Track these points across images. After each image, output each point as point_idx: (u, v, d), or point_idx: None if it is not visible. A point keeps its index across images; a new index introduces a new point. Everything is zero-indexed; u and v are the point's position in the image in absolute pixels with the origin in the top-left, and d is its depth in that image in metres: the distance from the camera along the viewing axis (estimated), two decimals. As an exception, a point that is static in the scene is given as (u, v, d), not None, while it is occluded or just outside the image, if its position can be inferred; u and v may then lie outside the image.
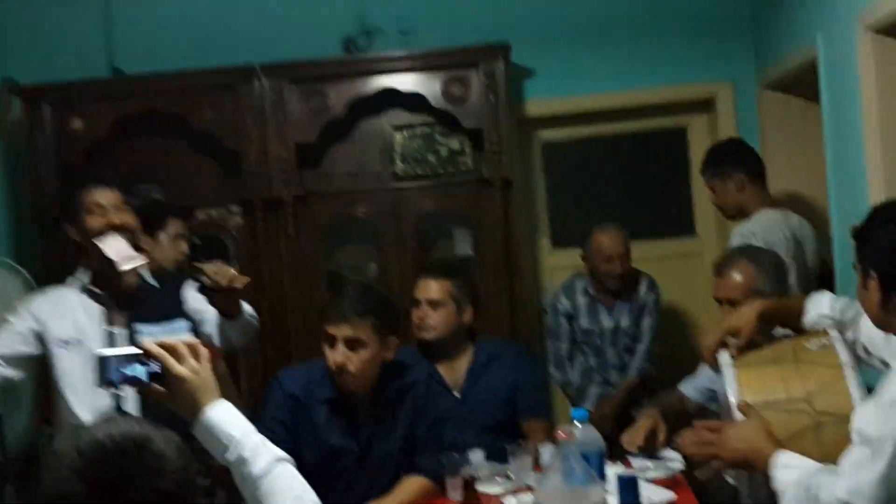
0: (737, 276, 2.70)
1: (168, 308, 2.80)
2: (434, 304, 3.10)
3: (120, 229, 2.66)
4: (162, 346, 1.56)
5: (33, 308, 2.75)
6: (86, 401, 2.62)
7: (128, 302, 2.72)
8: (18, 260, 3.83)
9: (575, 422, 2.03)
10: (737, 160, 3.58)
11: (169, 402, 1.55)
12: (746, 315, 2.32)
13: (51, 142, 4.01)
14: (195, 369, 1.56)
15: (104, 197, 2.69)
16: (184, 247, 3.65)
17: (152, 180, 4.08)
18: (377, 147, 4.22)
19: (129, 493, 1.20)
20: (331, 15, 4.24)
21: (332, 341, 2.64)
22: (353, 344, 2.63)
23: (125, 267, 2.61)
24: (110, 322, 2.68)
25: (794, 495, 1.86)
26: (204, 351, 1.60)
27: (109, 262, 2.60)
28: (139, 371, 1.52)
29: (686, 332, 4.41)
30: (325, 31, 4.20)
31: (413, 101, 4.10)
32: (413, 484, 2.71)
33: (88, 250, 2.68)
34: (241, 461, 1.51)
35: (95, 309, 2.71)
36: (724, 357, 2.25)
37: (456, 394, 3.12)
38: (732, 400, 2.09)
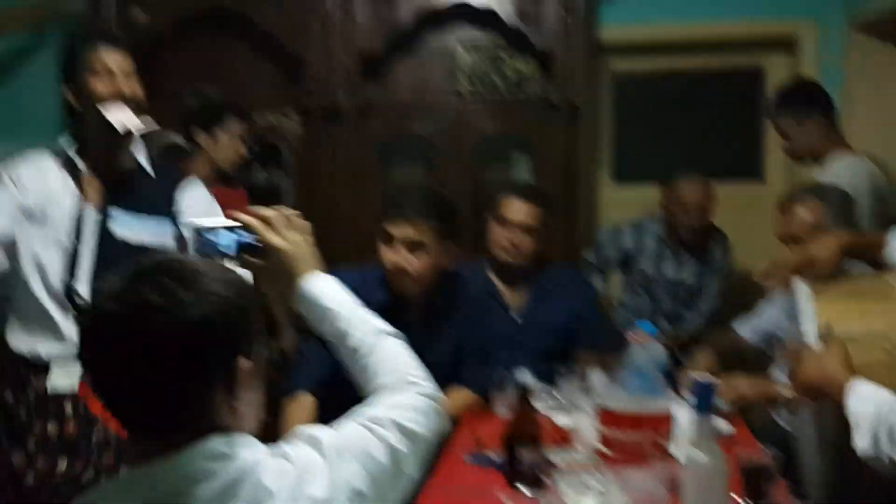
0: (803, 213, 2.59)
1: (155, 203, 2.39)
2: (527, 230, 3.01)
3: (128, 100, 2.31)
4: (257, 216, 1.49)
5: (14, 175, 2.34)
6: (53, 288, 2.28)
7: (114, 184, 2.35)
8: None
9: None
10: (814, 101, 3.40)
11: (265, 273, 1.48)
12: (828, 245, 2.21)
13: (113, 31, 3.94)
14: (292, 240, 1.49)
15: (114, 59, 2.31)
16: (242, 148, 3.61)
17: (212, 80, 4.04)
18: (442, 64, 4.09)
19: (161, 315, 1.15)
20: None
21: (391, 241, 2.56)
22: (413, 246, 2.55)
23: (131, 130, 2.29)
24: (84, 199, 2.31)
25: (870, 428, 1.76)
26: (301, 223, 1.52)
27: (110, 133, 2.27)
28: (232, 241, 1.46)
29: (747, 281, 4.25)
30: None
31: (483, 18, 3.96)
32: (459, 395, 2.65)
33: (84, 116, 2.32)
34: (340, 334, 1.45)
35: (70, 181, 2.33)
36: (802, 286, 2.14)
37: (515, 316, 3.03)
38: (810, 327, 1.98)
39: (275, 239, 1.48)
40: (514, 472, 2.06)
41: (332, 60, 3.91)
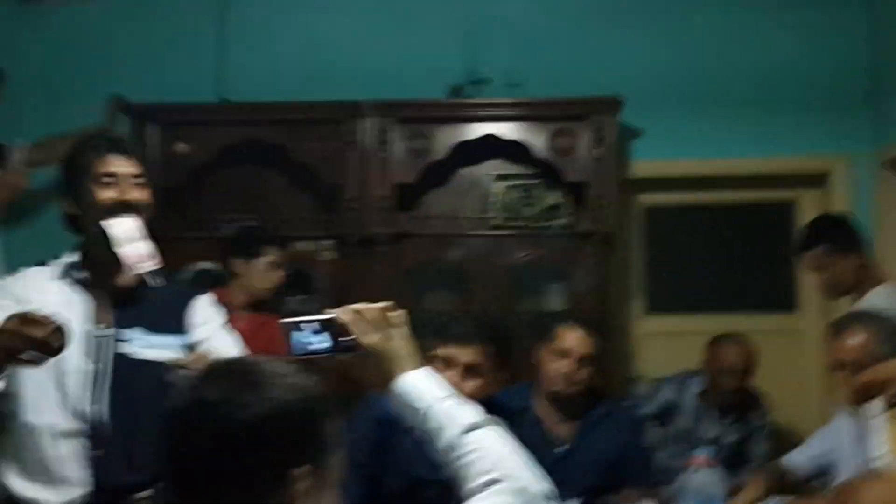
0: (855, 339, 2.57)
1: (170, 317, 2.23)
2: (586, 360, 2.97)
3: (134, 208, 2.14)
4: (352, 311, 1.47)
5: (11, 287, 2.14)
6: (45, 418, 2.07)
7: (121, 300, 2.17)
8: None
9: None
10: (855, 235, 3.40)
11: (358, 371, 1.47)
12: None
13: (156, 163, 4.04)
14: (387, 337, 1.46)
15: (120, 165, 2.15)
16: (278, 275, 3.64)
17: (249, 209, 4.12)
18: (475, 194, 4.17)
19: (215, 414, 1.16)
20: (440, 60, 4.21)
21: (443, 365, 2.48)
22: (469, 370, 2.48)
23: (139, 271, 2.11)
24: (97, 321, 2.14)
25: None
26: (396, 317, 1.49)
27: (113, 253, 2.09)
28: (327, 340, 1.44)
29: (785, 412, 4.16)
30: (434, 76, 4.17)
31: (515, 152, 4.04)
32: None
33: (86, 229, 2.15)
34: (432, 435, 1.41)
35: (79, 302, 2.13)
36: (876, 406, 2.16)
37: (559, 450, 2.96)
38: (884, 449, 1.96)
39: (369, 338, 1.45)
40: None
41: (367, 191, 3.98)
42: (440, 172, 4.12)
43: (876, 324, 2.61)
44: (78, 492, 2.07)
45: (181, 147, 4.06)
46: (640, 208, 4.43)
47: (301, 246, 4.02)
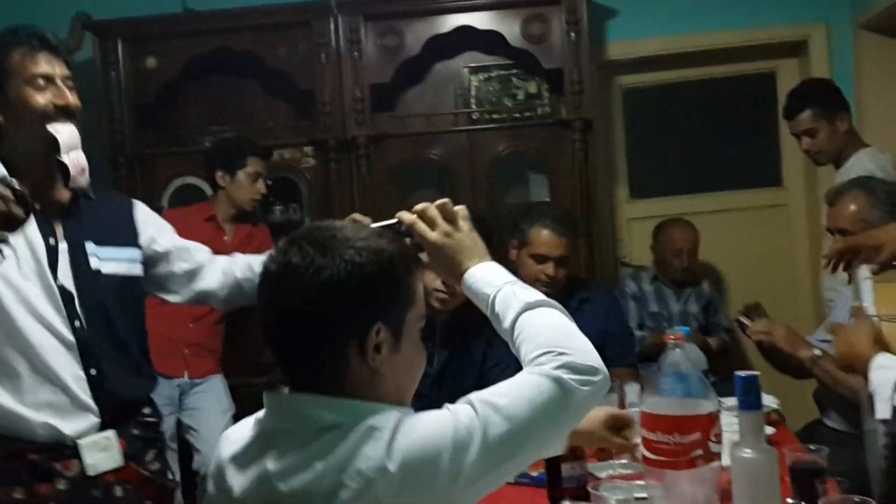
0: (850, 205, 2.59)
1: (118, 229, 2.06)
2: (562, 262, 3.00)
3: (72, 114, 1.93)
4: (414, 213, 1.52)
5: None
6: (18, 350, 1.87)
7: (61, 214, 1.97)
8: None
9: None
10: (840, 98, 3.37)
11: (431, 268, 1.51)
12: (892, 231, 2.22)
13: (124, 80, 3.97)
14: (447, 232, 1.50)
15: (55, 65, 1.92)
16: (261, 186, 3.62)
17: (227, 120, 4.07)
18: (452, 90, 4.12)
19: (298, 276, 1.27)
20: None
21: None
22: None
23: (80, 184, 1.93)
24: (50, 234, 1.93)
25: (883, 393, 1.83)
26: (457, 211, 1.52)
27: (51, 163, 1.90)
28: None
29: (772, 286, 4.21)
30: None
31: (489, 42, 3.98)
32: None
33: (14, 137, 1.90)
34: (500, 316, 1.45)
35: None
36: (864, 271, 2.20)
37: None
38: (866, 306, 2.02)
39: (430, 234, 1.50)
40: (557, 488, 2.02)
41: (342, 93, 3.92)
42: (415, 70, 4.06)
43: (869, 190, 2.62)
44: (90, 419, 1.94)
45: (150, 62, 3.99)
46: (619, 91, 4.38)
47: (279, 154, 3.98)
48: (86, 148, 1.98)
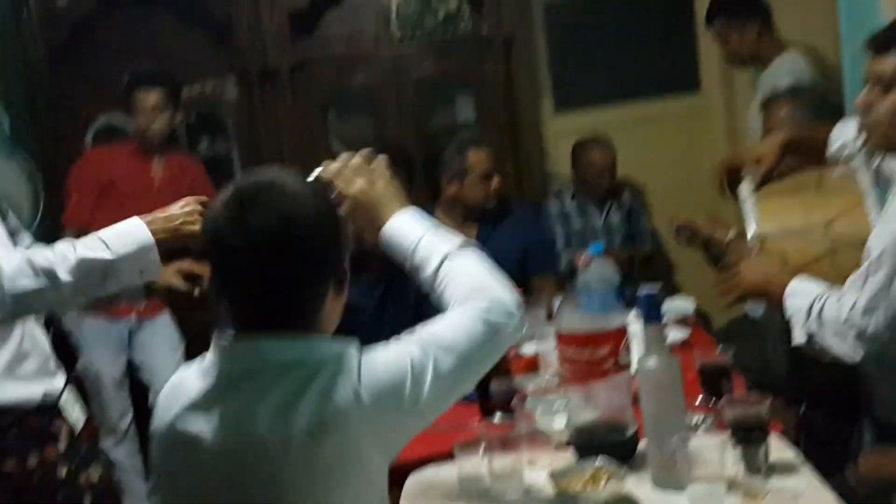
0: (780, 112, 2.69)
1: None
2: (492, 173, 3.13)
3: None
4: (333, 165, 1.53)
5: None
6: None
7: None
8: (12, 143, 3.74)
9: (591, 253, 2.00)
10: (751, 5, 3.44)
11: (353, 222, 1.51)
12: (769, 144, 2.27)
13: (36, 19, 3.87)
14: (362, 189, 1.51)
15: None
16: (165, 118, 3.44)
17: (144, 55, 3.99)
18: (373, 11, 4.08)
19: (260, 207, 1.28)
20: None
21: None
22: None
23: None
24: None
25: (801, 319, 1.85)
26: (374, 164, 1.54)
27: None
28: None
29: (692, 195, 4.32)
30: None
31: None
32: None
33: None
34: (417, 271, 1.48)
35: None
36: (745, 188, 2.21)
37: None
38: (750, 232, 2.06)
39: (353, 187, 1.51)
40: (487, 403, 2.13)
41: (260, 20, 3.87)
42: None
43: (798, 97, 2.69)
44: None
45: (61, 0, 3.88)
46: (540, 4, 4.38)
47: (201, 88, 3.94)
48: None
